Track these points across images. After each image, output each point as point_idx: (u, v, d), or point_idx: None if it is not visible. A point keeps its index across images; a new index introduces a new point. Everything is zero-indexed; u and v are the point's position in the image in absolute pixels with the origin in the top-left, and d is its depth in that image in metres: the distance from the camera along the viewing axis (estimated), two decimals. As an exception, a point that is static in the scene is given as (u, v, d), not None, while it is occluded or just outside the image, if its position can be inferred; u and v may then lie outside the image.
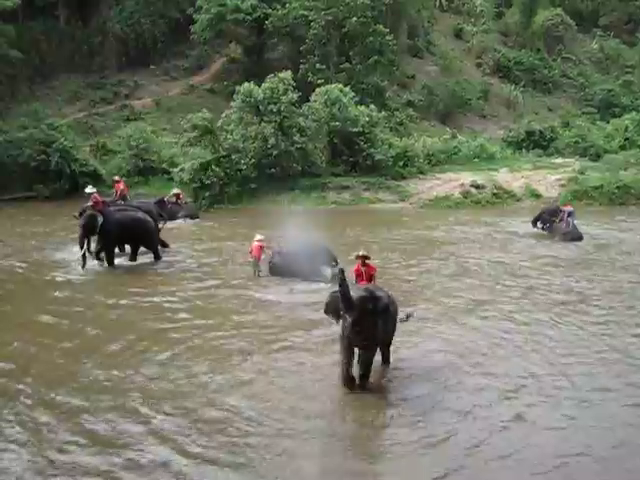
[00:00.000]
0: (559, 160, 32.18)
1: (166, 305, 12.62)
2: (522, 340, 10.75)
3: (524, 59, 45.61)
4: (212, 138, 26.30)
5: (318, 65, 34.03)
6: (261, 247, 14.70)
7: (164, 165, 28.80)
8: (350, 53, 35.12)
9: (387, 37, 34.90)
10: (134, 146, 28.99)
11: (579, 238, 19.48)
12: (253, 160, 26.37)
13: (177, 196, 23.09)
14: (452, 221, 23.13)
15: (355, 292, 8.23)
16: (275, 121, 26.42)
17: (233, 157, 26.22)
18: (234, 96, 27.75)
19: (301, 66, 34.06)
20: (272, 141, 26.13)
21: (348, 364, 8.40)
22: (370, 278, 8.82)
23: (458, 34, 47.54)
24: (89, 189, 16.33)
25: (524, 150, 33.72)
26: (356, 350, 8.57)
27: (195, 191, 25.68)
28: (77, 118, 33.88)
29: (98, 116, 34.56)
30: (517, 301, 12.99)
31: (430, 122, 38.81)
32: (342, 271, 8.15)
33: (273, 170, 26.83)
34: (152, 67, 38.22)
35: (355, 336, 8.23)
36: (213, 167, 25.48)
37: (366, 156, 28.16)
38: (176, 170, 26.47)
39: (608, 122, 37.51)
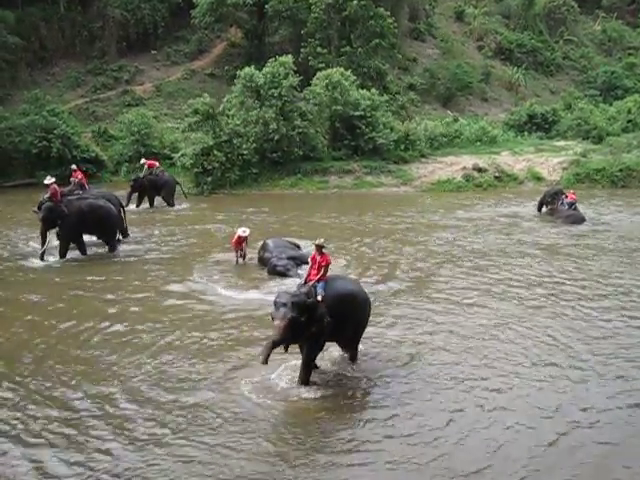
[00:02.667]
0: (561, 143, 32.11)
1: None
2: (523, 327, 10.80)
3: (526, 41, 45.28)
4: (213, 123, 26.20)
5: (319, 49, 33.86)
6: (239, 239, 14.44)
7: (166, 150, 28.79)
8: (351, 36, 34.90)
9: (388, 20, 34.65)
10: (135, 132, 28.94)
11: (581, 220, 19.51)
12: (254, 145, 26.37)
13: (149, 166, 22.47)
14: (451, 205, 23.11)
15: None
16: (276, 105, 26.35)
17: (234, 142, 26.18)
18: (235, 80, 27.74)
19: (302, 50, 33.89)
20: (273, 125, 26.10)
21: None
22: (320, 267, 8.74)
23: (459, 16, 47.22)
24: (47, 180, 15.18)
25: (526, 133, 33.63)
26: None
27: (197, 176, 25.69)
28: (78, 104, 33.80)
29: (99, 102, 34.48)
30: (506, 287, 12.90)
31: (432, 105, 38.69)
32: None
33: (274, 155, 26.86)
34: (153, 52, 38.03)
35: None
36: (215, 152, 25.44)
37: (368, 140, 28.06)
38: (178, 155, 26.49)
39: (611, 104, 37.33)
